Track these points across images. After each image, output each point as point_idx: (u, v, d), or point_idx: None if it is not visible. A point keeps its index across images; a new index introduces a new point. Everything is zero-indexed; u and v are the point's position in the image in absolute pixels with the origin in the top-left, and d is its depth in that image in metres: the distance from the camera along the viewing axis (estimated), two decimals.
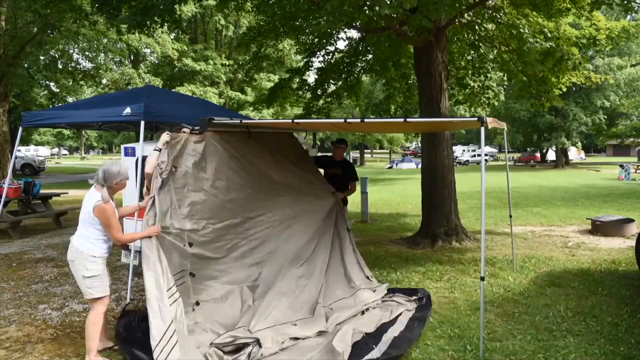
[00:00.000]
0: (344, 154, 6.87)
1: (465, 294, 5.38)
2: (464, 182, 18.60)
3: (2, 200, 7.75)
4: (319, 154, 7.33)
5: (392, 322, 4.39)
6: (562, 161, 37.38)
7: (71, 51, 23.07)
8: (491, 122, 4.07)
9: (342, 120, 4.46)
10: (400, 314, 4.54)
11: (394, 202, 14.75)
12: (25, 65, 19.81)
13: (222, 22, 26.29)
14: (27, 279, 6.11)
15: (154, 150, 3.96)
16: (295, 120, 4.66)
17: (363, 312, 4.54)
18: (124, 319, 4.36)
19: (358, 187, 7.84)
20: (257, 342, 3.79)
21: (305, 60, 12.44)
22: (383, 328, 4.24)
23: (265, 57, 16.88)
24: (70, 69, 22.62)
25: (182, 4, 8.78)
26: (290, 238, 5.05)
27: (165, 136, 3.96)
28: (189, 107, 7.19)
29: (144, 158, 5.47)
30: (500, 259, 6.89)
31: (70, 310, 4.97)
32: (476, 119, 3.85)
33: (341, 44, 39.93)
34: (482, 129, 3.89)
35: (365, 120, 4.54)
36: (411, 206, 13.32)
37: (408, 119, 4.40)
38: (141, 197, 5.53)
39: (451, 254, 7.30)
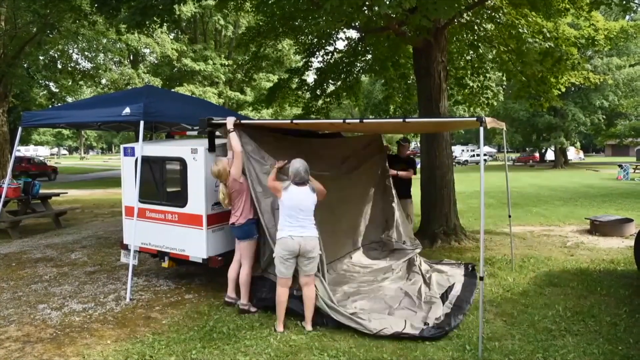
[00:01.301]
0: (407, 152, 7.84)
1: None
2: (463, 182, 18.62)
3: (2, 200, 7.74)
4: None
5: (451, 287, 5.37)
6: (561, 161, 37.43)
7: (70, 51, 23.07)
8: (490, 122, 4.07)
9: (341, 120, 4.47)
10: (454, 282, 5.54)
11: None
12: (25, 65, 19.79)
13: (222, 22, 26.27)
14: (27, 279, 6.11)
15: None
16: (295, 121, 4.67)
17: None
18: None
19: None
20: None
21: (304, 60, 12.44)
22: (447, 290, 5.28)
23: (265, 57, 16.88)
24: (69, 69, 22.61)
25: (182, 4, 8.79)
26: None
27: None
28: (188, 107, 7.20)
29: (144, 158, 5.51)
30: (499, 259, 6.90)
31: (70, 310, 4.97)
32: (475, 118, 3.87)
33: (340, 44, 39.91)
34: (481, 128, 3.90)
35: (364, 120, 4.54)
36: None
37: (407, 119, 4.40)
38: (141, 197, 5.55)
39: (450, 254, 7.31)
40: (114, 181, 21.52)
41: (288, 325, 4.48)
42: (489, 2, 8.70)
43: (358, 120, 4.46)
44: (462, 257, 7.04)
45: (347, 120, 4.41)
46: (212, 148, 5.20)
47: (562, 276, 6.02)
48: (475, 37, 9.86)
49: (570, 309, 4.84)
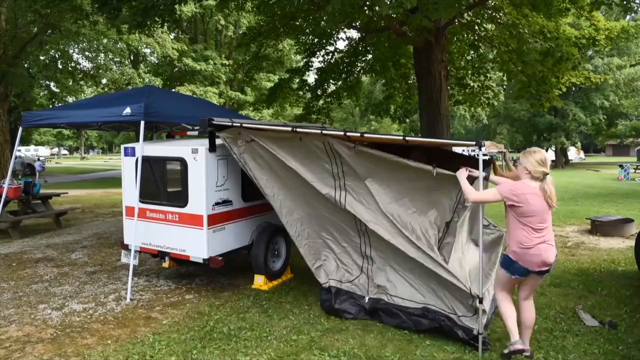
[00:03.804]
0: None
1: None
2: None
3: (2, 200, 7.75)
4: None
5: None
6: (562, 161, 37.42)
7: (71, 51, 23.07)
8: (489, 146, 4.03)
9: (342, 132, 4.50)
10: None
11: None
12: (26, 65, 19.80)
13: (222, 22, 26.26)
14: (27, 279, 6.11)
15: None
16: (297, 130, 4.69)
17: None
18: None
19: None
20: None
21: (305, 60, 12.46)
22: None
23: (265, 57, 16.89)
24: (70, 69, 22.62)
25: (182, 4, 8.81)
26: None
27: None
28: (189, 107, 7.20)
29: (144, 158, 5.51)
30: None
31: (70, 310, 4.98)
32: (474, 143, 3.89)
33: (341, 44, 39.94)
34: (480, 153, 3.86)
35: (365, 135, 4.55)
36: None
37: (407, 138, 4.44)
38: (141, 197, 5.55)
39: None
40: (115, 181, 21.53)
41: (289, 325, 4.49)
42: (490, 2, 8.71)
43: (359, 134, 4.49)
44: None
45: (347, 133, 4.45)
46: (212, 148, 5.20)
47: (562, 276, 6.02)
48: (476, 37, 9.88)
49: (571, 309, 4.83)
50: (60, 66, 22.33)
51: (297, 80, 12.54)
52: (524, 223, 3.48)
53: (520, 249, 3.51)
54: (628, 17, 24.00)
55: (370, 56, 11.87)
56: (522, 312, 3.74)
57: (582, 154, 55.36)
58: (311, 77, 14.46)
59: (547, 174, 3.54)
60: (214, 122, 5.06)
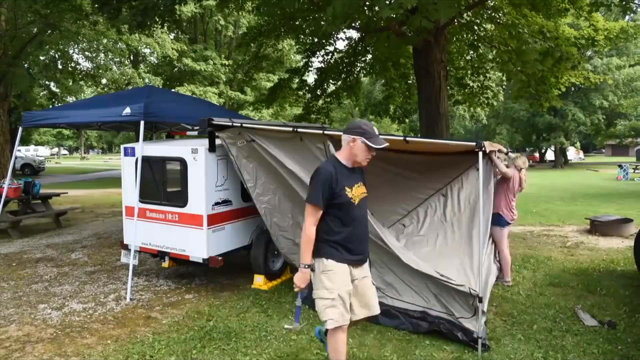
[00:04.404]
0: None
1: None
2: None
3: (2, 200, 7.75)
4: None
5: None
6: (561, 161, 37.44)
7: (71, 51, 23.07)
8: (489, 146, 4.14)
9: (341, 132, 4.50)
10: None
11: None
12: (26, 65, 19.79)
13: (222, 22, 26.26)
14: (27, 279, 6.12)
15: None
16: (298, 130, 4.69)
17: None
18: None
19: None
20: None
21: (304, 60, 12.46)
22: None
23: (265, 57, 16.89)
24: (70, 69, 22.63)
25: (182, 4, 8.81)
26: None
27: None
28: (188, 107, 7.20)
29: (144, 158, 5.52)
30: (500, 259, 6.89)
31: (70, 310, 4.98)
32: (474, 144, 4.01)
33: (341, 44, 39.97)
34: (480, 154, 3.97)
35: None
36: None
37: (408, 138, 4.47)
38: (141, 197, 5.56)
39: None
40: (115, 181, 21.52)
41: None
42: (489, 2, 8.72)
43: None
44: None
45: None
46: (212, 148, 5.21)
47: (562, 276, 6.03)
48: (476, 37, 9.88)
49: (570, 309, 4.84)
50: (60, 66, 22.33)
51: (297, 80, 12.54)
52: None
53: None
54: (627, 17, 23.98)
55: (369, 56, 11.88)
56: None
57: (581, 154, 55.41)
58: (311, 77, 14.47)
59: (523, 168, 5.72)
60: (213, 122, 5.06)
